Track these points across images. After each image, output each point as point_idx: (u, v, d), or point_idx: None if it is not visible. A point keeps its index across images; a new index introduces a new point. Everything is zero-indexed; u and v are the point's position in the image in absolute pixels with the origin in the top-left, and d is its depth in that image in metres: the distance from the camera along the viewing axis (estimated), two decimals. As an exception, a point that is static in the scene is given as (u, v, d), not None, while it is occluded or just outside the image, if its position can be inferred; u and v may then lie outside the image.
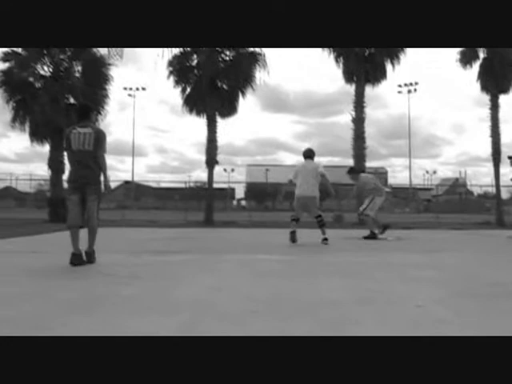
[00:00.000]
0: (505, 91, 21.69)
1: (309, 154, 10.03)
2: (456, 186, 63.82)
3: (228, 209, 48.96)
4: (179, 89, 21.03)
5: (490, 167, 13.78)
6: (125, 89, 63.93)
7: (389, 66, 21.31)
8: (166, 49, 20.08)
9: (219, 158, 21.12)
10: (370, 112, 58.97)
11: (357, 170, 11.16)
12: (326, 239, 9.49)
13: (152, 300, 3.82)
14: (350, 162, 21.73)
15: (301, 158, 10.28)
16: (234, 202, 67.40)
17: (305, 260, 7.04)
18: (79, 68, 20.85)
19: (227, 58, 20.88)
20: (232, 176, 71.24)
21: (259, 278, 5.06)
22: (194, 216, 22.32)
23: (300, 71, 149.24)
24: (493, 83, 21.50)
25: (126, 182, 50.00)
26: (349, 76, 21.29)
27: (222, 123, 21.23)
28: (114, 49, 10.50)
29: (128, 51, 22.97)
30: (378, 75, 21.18)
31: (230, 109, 20.91)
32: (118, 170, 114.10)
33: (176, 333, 2.77)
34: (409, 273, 5.50)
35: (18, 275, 5.15)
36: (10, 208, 38.99)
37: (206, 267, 5.96)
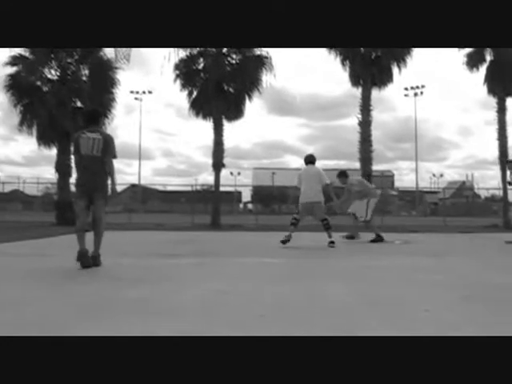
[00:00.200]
0: (512, 94, 21.62)
1: (310, 160, 10.14)
2: (463, 189, 63.51)
3: (234, 212, 49.04)
4: (186, 92, 21.08)
5: (496, 170, 13.77)
6: (131, 92, 64.21)
7: (395, 69, 21.25)
8: (172, 52, 20.16)
9: (226, 161, 21.15)
10: (376, 115, 58.88)
11: (346, 174, 11.33)
12: (332, 242, 9.48)
13: (159, 303, 3.82)
14: (357, 165, 21.70)
15: (306, 162, 10.33)
16: (241, 206, 67.45)
17: (312, 263, 7.03)
18: (86, 71, 20.90)
19: (233, 62, 20.89)
20: (238, 179, 71.11)
21: (266, 281, 5.05)
22: (201, 219, 22.32)
23: (306, 74, 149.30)
24: (500, 86, 21.40)
25: (133, 186, 50.17)
26: (355, 79, 21.26)
27: (228, 126, 21.28)
28: (120, 52, 10.56)
29: (134, 55, 23.11)
30: (384, 78, 21.14)
31: (236, 112, 20.93)
32: (124, 173, 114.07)
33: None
34: (417, 276, 5.47)
35: (25, 278, 5.17)
36: (18, 211, 39.11)
37: (213, 270, 5.97)
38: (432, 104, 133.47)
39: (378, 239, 11.02)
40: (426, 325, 3.11)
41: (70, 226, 7.32)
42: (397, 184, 70.88)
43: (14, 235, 12.34)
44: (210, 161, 21.08)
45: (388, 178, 64.51)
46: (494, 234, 15.83)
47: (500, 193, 23.94)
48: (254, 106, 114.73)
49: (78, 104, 20.62)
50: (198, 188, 37.51)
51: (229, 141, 47.44)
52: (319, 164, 10.14)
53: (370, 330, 2.94)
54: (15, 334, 2.75)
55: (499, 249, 10.34)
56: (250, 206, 66.85)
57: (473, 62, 21.91)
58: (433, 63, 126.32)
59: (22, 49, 19.94)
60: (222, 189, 22.58)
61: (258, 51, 20.47)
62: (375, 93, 21.53)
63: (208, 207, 24.51)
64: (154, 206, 58.00)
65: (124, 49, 10.90)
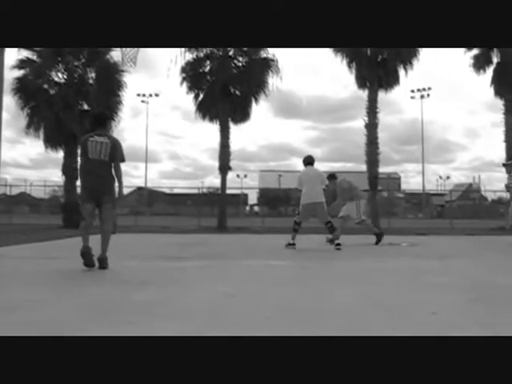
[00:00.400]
0: (519, 96, 21.53)
1: (309, 161, 10.13)
2: (470, 192, 63.23)
3: (241, 214, 49.06)
4: (192, 95, 21.13)
5: (503, 172, 13.63)
6: (138, 95, 64.31)
7: (401, 72, 21.19)
8: (179, 55, 20.24)
9: (232, 163, 21.18)
10: (382, 117, 58.85)
11: (335, 176, 11.36)
12: (338, 244, 9.46)
13: (165, 306, 3.82)
14: (363, 167, 21.71)
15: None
16: (247, 208, 67.42)
17: (318, 266, 7.03)
18: (93, 74, 20.97)
19: (240, 64, 20.93)
20: (245, 182, 71.25)
21: (273, 284, 5.05)
22: (207, 222, 22.33)
23: (313, 77, 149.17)
24: (507, 88, 21.33)
25: (139, 188, 50.21)
26: (361, 81, 21.24)
27: (234, 129, 21.32)
28: (127, 55, 10.56)
29: (141, 58, 23.12)
30: (390, 80, 21.09)
31: (242, 115, 20.95)
32: (131, 175, 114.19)
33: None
34: (423, 279, 5.46)
35: (33, 281, 5.19)
36: (25, 214, 39.23)
37: (220, 273, 5.97)
38: (438, 106, 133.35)
39: (379, 238, 11.01)
40: (434, 327, 3.10)
41: (76, 228, 7.34)
42: (403, 186, 70.60)
43: (22, 238, 12.39)
44: (216, 163, 21.17)
45: (394, 180, 64.28)
46: (501, 237, 15.77)
47: (507, 195, 23.79)
48: (260, 109, 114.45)
49: (85, 107, 20.71)
50: (205, 191, 37.60)
51: (235, 143, 47.59)
52: (326, 166, 10.17)
53: (376, 333, 2.94)
54: (23, 335, 2.77)
55: (506, 251, 10.30)
56: (256, 208, 66.82)
57: (479, 64, 21.85)
58: (439, 65, 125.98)
59: (30, 52, 20.07)
60: (228, 191, 22.60)
61: (264, 54, 20.52)
62: (382, 95, 21.53)
63: (214, 210, 24.55)
64: (160, 208, 58.07)
65: (131, 51, 10.92)
